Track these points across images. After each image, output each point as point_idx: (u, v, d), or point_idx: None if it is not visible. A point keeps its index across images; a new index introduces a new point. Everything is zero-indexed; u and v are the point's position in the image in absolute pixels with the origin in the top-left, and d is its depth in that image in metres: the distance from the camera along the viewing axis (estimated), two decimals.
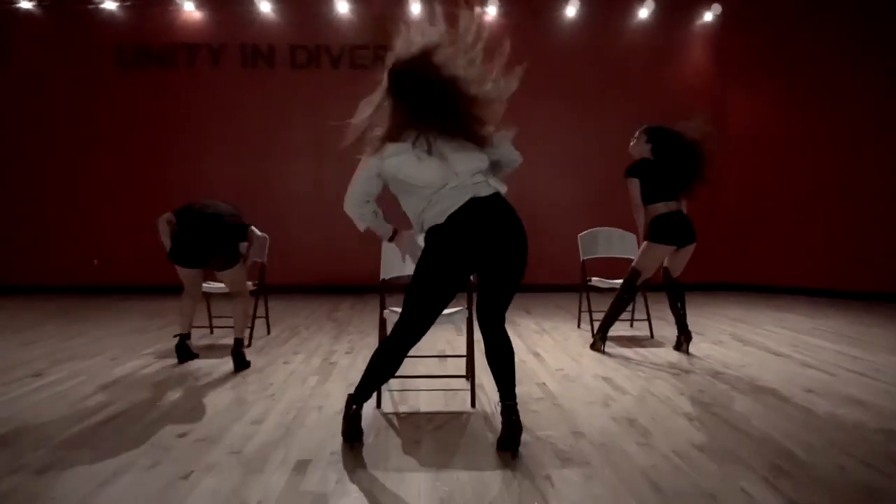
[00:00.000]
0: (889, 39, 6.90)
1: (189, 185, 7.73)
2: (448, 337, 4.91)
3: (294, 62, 7.85)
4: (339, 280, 7.65)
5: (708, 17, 7.92)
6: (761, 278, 7.89)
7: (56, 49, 7.70)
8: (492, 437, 2.65)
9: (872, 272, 7.04)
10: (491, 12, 7.77)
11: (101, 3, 7.50)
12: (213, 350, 4.47)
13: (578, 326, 5.40)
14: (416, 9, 7.67)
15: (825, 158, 7.40)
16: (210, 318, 5.06)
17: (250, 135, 7.63)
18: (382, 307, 3.26)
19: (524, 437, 2.64)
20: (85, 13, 7.59)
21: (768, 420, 2.87)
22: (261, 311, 5.06)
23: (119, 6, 7.60)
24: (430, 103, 2.35)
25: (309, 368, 3.91)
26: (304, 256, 7.78)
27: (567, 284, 7.74)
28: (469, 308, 3.27)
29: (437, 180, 2.41)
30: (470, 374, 3.29)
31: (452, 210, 2.40)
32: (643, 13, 7.83)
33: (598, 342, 4.42)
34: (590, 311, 5.07)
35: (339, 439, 2.60)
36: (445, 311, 3.32)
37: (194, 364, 4.02)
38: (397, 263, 3.38)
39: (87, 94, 7.73)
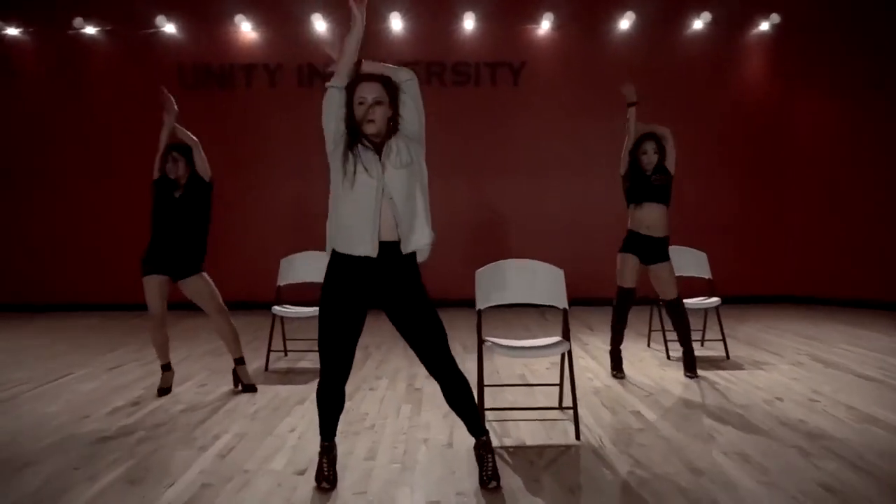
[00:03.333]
0: None
1: (251, 203, 7.88)
2: (523, 360, 4.90)
3: None
4: None
5: (765, 26, 7.81)
6: (824, 290, 7.73)
7: (121, 71, 7.88)
8: (609, 476, 2.65)
9: None
10: (545, 26, 7.76)
11: (163, 26, 7.68)
12: (294, 374, 4.54)
13: (648, 345, 5.36)
14: (469, 25, 7.71)
15: (892, 164, 7.24)
16: (284, 339, 5.13)
17: (310, 153, 7.65)
18: (480, 339, 3.27)
19: (643, 472, 2.64)
20: (147, 36, 7.77)
21: (886, 455, 2.82)
22: None
23: (179, 28, 7.77)
24: None
25: (397, 395, 3.94)
26: None
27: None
28: (568, 339, 3.27)
29: None
30: (573, 405, 3.24)
31: None
32: (698, 24, 7.75)
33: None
34: (662, 330, 5.04)
35: (460, 477, 2.62)
36: (544, 343, 3.33)
37: (282, 390, 4.08)
38: (494, 292, 3.40)
39: (151, 113, 7.88)
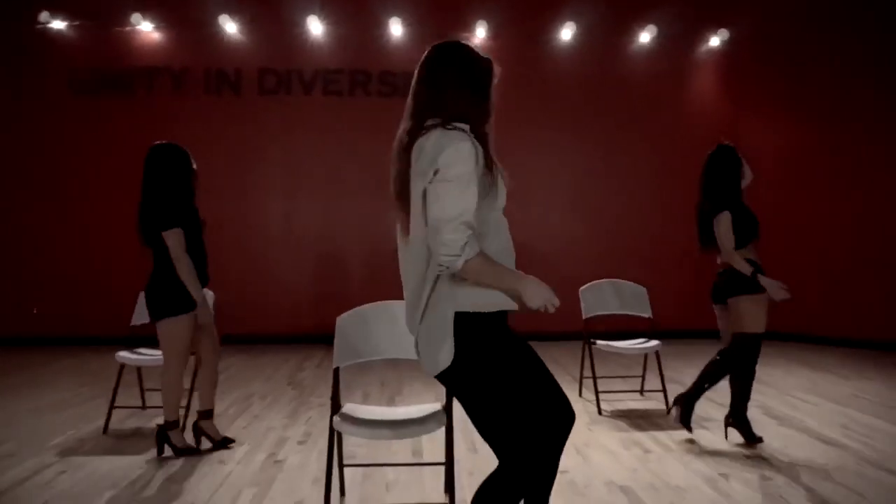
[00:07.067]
0: None
1: None
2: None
3: (262, 88, 7.13)
4: (312, 328, 6.84)
5: (715, 41, 7.30)
6: (779, 323, 7.10)
7: (1, 75, 6.94)
8: None
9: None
10: (479, 34, 7.11)
11: (48, 23, 6.77)
12: (138, 439, 3.65)
13: (580, 395, 4.60)
14: (396, 31, 7.01)
15: (843, 186, 6.71)
16: (142, 391, 4.22)
17: (214, 166, 6.83)
18: (337, 404, 2.46)
19: None
20: (33, 35, 6.85)
21: None
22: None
23: (70, 27, 6.87)
24: None
25: (248, 473, 3.08)
26: (274, 301, 6.99)
27: (569, 332, 6.97)
28: (449, 404, 2.50)
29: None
30: (448, 489, 2.51)
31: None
32: (644, 38, 7.19)
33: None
34: (594, 378, 4.28)
35: None
36: (416, 415, 2.55)
37: (101, 465, 3.19)
38: (360, 344, 2.61)
39: (35, 123, 6.95)
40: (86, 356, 6.07)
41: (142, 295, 4.14)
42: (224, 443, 3.41)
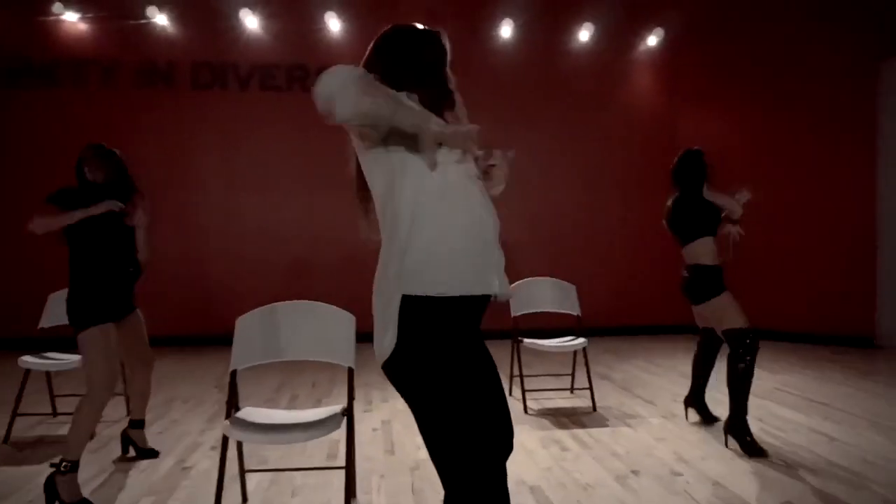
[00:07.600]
0: (841, 49, 6.48)
1: None
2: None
3: (196, 82, 6.92)
4: None
5: (652, 41, 7.40)
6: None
7: None
8: None
9: (845, 312, 6.50)
10: (419, 26, 7.03)
11: None
12: (44, 447, 3.48)
13: (510, 394, 4.58)
14: (333, 25, 6.89)
15: (776, 178, 6.85)
16: (52, 397, 4.04)
17: (147, 162, 6.62)
18: (234, 405, 2.38)
19: None
20: None
21: None
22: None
23: None
24: None
25: (150, 480, 2.97)
26: (209, 300, 6.80)
27: (497, 331, 6.99)
28: (349, 406, 2.45)
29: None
30: (351, 494, 2.45)
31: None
32: (584, 36, 7.24)
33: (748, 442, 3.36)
34: (521, 377, 4.27)
35: None
36: (310, 418, 2.48)
37: None
38: (262, 346, 2.53)
39: None
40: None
41: (52, 297, 3.99)
42: (149, 453, 3.29)
